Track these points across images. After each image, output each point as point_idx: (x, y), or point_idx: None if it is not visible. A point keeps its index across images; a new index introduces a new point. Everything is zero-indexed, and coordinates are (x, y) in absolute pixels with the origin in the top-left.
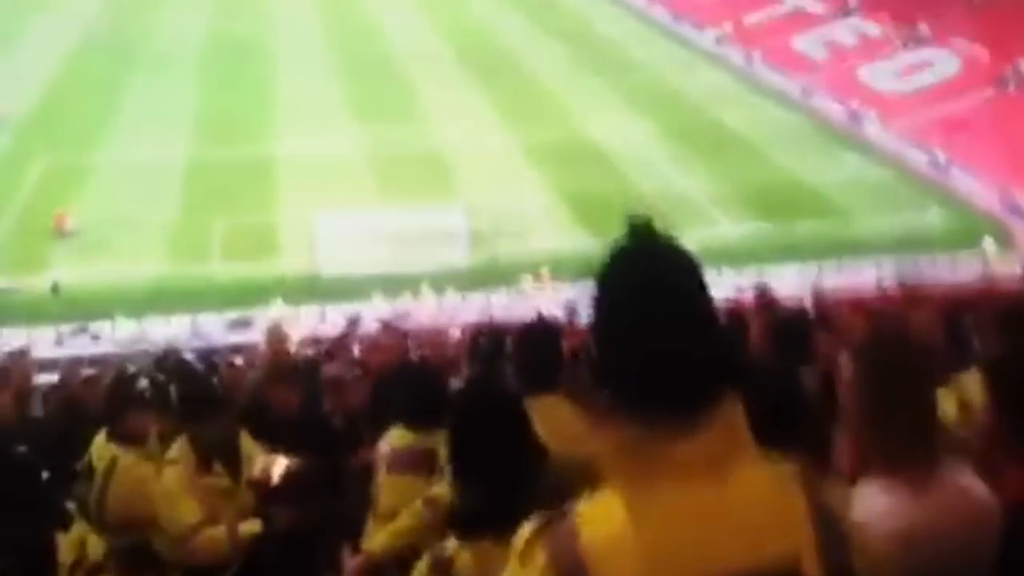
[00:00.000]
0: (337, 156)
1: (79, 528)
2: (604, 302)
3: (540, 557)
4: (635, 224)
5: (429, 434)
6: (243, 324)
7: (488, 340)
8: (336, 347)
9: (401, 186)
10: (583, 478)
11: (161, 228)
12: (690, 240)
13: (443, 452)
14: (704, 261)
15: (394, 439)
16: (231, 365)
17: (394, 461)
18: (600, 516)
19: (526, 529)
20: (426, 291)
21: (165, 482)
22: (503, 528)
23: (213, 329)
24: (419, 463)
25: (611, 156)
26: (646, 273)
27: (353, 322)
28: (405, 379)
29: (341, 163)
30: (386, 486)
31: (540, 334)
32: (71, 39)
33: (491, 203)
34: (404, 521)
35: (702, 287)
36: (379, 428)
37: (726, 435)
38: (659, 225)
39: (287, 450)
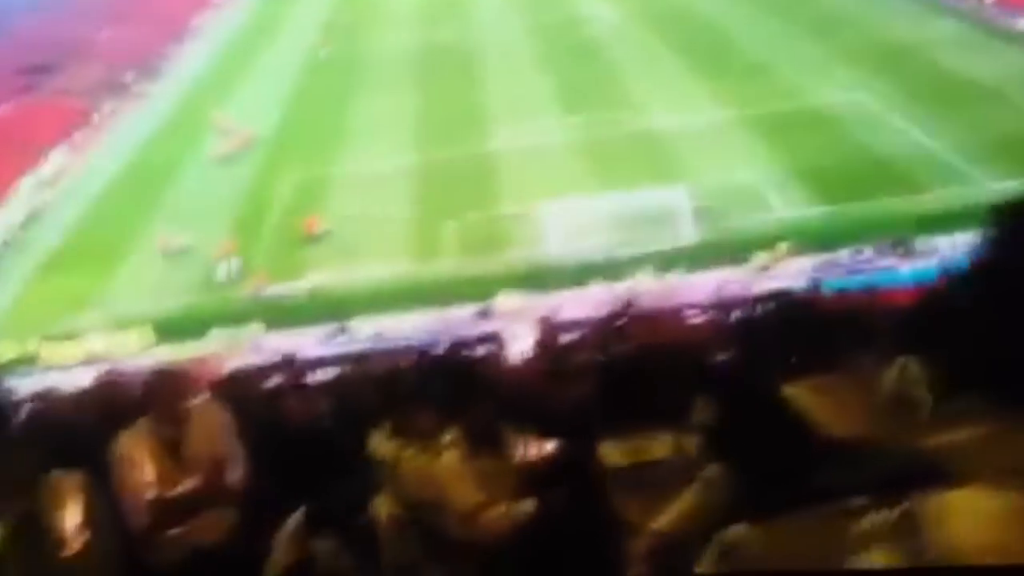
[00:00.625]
0: (554, 146)
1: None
2: None
3: None
4: None
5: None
6: (483, 315)
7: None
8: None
9: (620, 170)
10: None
11: (398, 229)
12: (943, 200)
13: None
14: (964, 224)
15: None
16: (480, 357)
17: None
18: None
19: None
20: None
21: (446, 465)
22: (785, 510)
23: (458, 322)
24: None
25: (839, 121)
26: None
27: (625, 304)
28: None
29: (559, 153)
30: None
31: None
32: (297, 62)
33: (715, 181)
34: (689, 499)
35: None
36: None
37: None
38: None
39: (551, 436)
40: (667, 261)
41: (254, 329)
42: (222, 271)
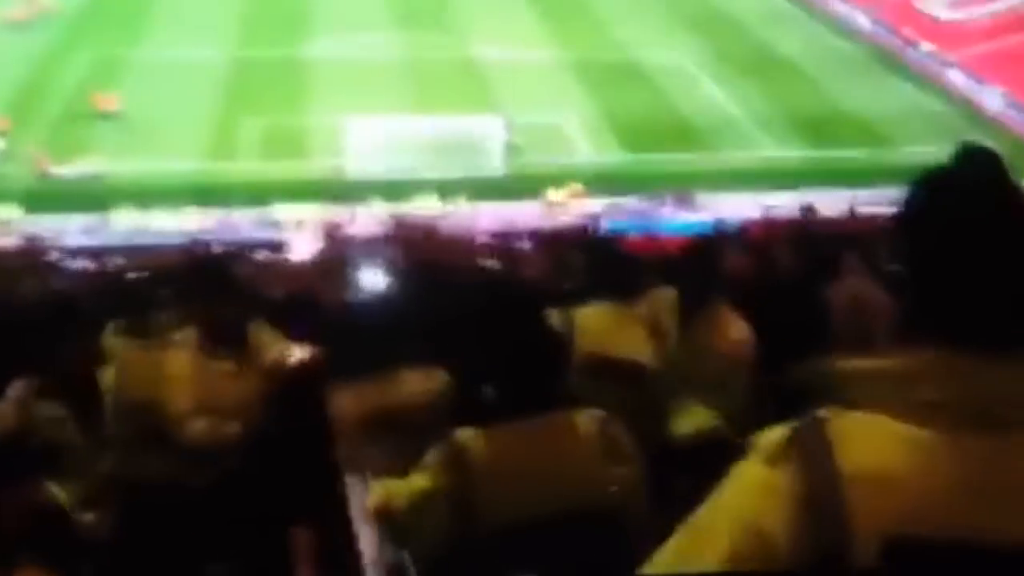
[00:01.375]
0: (374, 60)
1: None
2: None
3: (789, 465)
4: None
5: None
6: (271, 223)
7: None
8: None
9: (438, 95)
10: (614, 380)
11: (198, 124)
12: (730, 161)
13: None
14: (746, 183)
15: None
16: (254, 260)
17: None
18: (863, 443)
19: (776, 432)
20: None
21: (169, 366)
22: (520, 417)
23: (242, 225)
24: None
25: (656, 78)
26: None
27: (397, 222)
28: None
29: (377, 68)
30: None
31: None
32: None
33: (529, 117)
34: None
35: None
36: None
37: None
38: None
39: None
40: (469, 189)
41: (9, 211)
42: None
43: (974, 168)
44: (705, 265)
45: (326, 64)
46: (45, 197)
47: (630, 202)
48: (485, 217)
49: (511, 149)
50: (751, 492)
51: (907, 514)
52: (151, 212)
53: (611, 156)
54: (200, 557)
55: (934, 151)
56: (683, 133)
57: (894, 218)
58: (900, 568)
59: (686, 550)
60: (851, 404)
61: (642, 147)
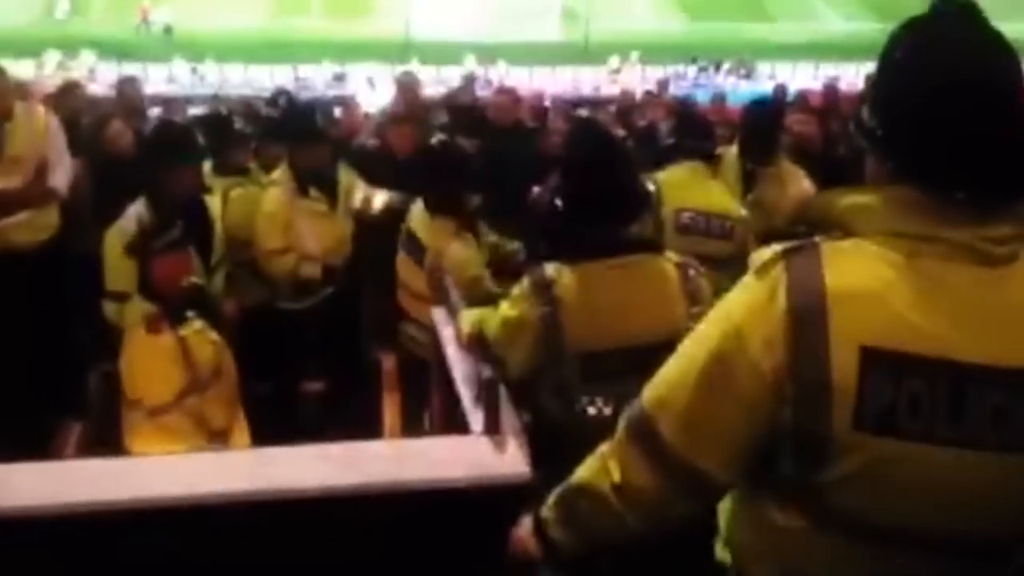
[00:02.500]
0: None
1: None
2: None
3: (780, 278)
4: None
5: None
6: (340, 78)
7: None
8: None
9: None
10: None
11: None
12: (791, 32)
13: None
14: (808, 54)
15: None
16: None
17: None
18: (851, 264)
19: (769, 249)
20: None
21: (265, 203)
22: (606, 254)
23: (314, 80)
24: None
25: None
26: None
27: (468, 80)
28: None
29: None
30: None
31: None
32: None
33: None
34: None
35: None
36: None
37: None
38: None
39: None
40: (533, 53)
41: (87, 58)
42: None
43: (956, 18)
44: (767, 125)
45: None
46: (127, 46)
47: (689, 71)
48: (546, 82)
49: (571, 15)
50: (740, 301)
51: (887, 329)
52: (228, 65)
53: (673, 23)
54: (296, 376)
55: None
56: (746, 1)
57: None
58: (876, 379)
59: (687, 350)
60: (849, 234)
61: (704, 15)
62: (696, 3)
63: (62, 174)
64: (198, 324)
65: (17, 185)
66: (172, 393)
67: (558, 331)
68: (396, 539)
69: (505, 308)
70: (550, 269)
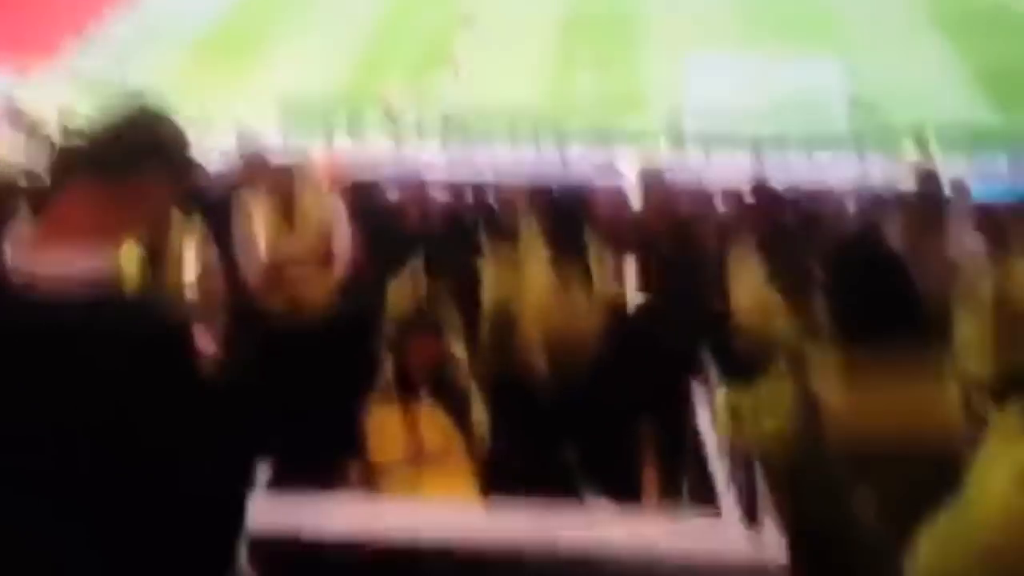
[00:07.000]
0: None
1: None
2: None
3: None
4: None
5: None
6: (606, 167)
7: None
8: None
9: (770, 31)
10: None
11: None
12: None
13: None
14: None
15: None
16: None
17: None
18: None
19: None
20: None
21: (529, 278)
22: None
23: (576, 166)
24: None
25: None
26: None
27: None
28: None
29: (707, 6)
30: None
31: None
32: None
33: (878, 65)
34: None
35: None
36: None
37: None
38: None
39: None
40: (810, 142)
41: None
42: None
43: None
44: None
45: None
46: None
47: (999, 163)
48: (832, 171)
49: (859, 101)
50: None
51: None
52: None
53: (981, 112)
54: (555, 444)
55: None
56: None
57: None
58: None
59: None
60: None
61: (1014, 102)
62: (1002, 86)
63: None
64: None
65: None
66: None
67: (814, 409)
68: None
69: (759, 383)
70: (808, 347)
